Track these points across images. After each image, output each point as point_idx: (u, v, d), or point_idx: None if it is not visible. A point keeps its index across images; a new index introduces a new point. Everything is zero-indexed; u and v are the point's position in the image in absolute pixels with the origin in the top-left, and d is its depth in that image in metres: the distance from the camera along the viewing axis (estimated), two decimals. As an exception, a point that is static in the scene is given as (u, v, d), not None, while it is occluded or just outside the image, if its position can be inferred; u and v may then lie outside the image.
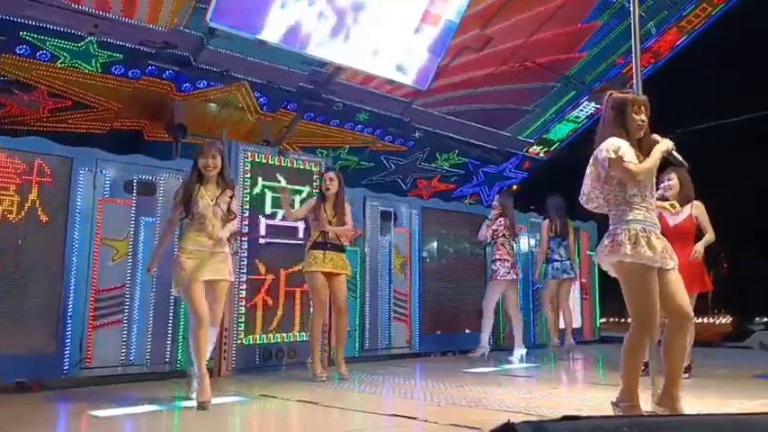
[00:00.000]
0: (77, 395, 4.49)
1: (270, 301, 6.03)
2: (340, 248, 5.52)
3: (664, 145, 3.41)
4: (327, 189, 5.48)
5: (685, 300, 3.36)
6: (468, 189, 10.41)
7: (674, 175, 5.44)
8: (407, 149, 8.93)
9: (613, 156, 3.28)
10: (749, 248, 11.25)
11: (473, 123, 9.11)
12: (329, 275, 5.42)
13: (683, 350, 3.36)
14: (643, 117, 3.42)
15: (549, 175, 10.63)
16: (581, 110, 9.77)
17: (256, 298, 5.94)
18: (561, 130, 10.12)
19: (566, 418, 1.36)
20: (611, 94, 3.53)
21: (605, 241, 3.39)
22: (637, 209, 3.32)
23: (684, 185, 5.42)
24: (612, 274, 3.42)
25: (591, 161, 3.44)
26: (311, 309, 5.57)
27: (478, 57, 8.09)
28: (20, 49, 5.62)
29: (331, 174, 5.59)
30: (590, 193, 3.45)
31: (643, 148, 3.40)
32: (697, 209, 5.40)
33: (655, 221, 3.36)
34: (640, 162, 3.33)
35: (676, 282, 3.34)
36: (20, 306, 4.67)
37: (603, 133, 3.44)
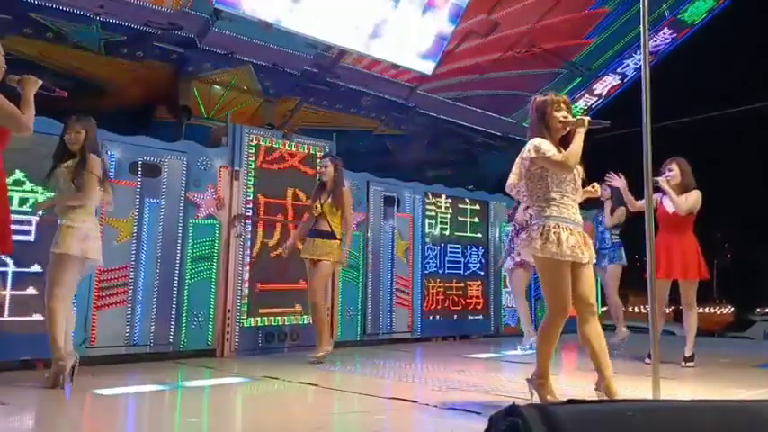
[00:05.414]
0: (82, 374, 4.52)
1: (273, 284, 6.05)
2: (328, 236, 5.38)
3: (580, 125, 3.53)
4: (323, 175, 5.48)
5: (591, 292, 3.60)
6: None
7: (674, 165, 5.43)
8: (411, 134, 8.90)
9: (534, 155, 3.49)
10: (752, 239, 11.23)
11: (478, 109, 9.07)
12: (313, 262, 5.40)
13: (600, 335, 3.56)
14: (564, 114, 3.58)
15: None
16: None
17: (259, 279, 5.96)
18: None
19: (571, 401, 1.37)
20: (534, 99, 3.71)
21: (523, 235, 3.72)
22: (554, 206, 3.51)
23: (685, 174, 5.40)
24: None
25: (517, 159, 3.67)
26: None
27: (485, 42, 8.03)
28: (26, 29, 5.59)
29: (326, 161, 5.55)
30: (516, 185, 3.68)
31: (569, 143, 3.53)
32: (690, 196, 5.33)
33: (573, 218, 3.54)
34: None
35: (586, 275, 3.56)
36: (25, 285, 4.69)
37: (529, 135, 3.65)
